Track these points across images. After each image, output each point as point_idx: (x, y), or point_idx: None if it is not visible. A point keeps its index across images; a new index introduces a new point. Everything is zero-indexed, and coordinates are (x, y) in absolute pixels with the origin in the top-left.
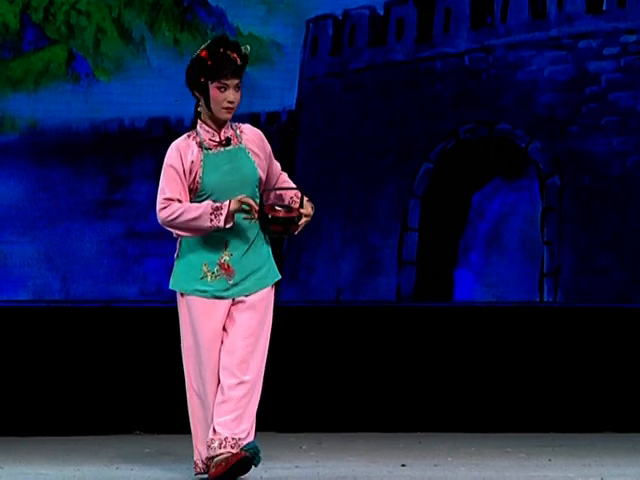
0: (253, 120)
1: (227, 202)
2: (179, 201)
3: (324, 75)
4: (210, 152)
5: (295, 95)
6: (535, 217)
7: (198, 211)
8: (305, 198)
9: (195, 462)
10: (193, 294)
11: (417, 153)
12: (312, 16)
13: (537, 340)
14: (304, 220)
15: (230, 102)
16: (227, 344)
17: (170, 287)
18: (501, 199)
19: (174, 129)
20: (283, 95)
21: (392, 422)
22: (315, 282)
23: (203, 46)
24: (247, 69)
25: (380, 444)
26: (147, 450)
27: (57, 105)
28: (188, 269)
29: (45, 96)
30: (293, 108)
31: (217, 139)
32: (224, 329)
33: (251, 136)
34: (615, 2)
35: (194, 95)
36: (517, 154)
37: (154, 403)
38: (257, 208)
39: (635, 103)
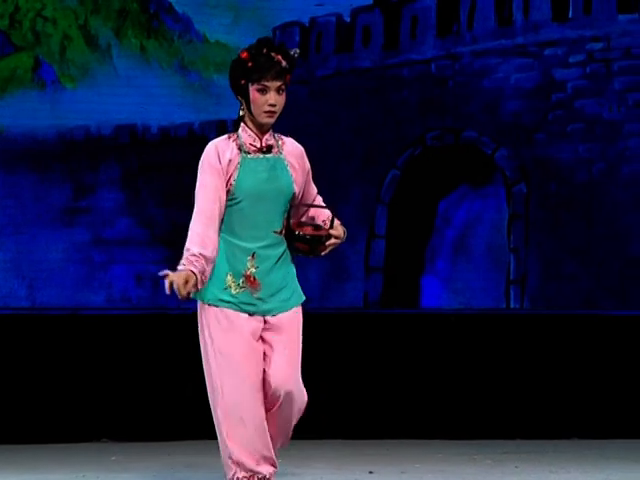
0: (220, 127)
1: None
2: (210, 210)
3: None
4: (249, 156)
5: None
6: (501, 224)
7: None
8: (337, 221)
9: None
10: (217, 304)
11: (384, 160)
12: (278, 23)
13: (503, 347)
14: (333, 241)
15: (271, 105)
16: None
17: (192, 296)
18: (467, 206)
19: (140, 136)
20: None
21: (359, 429)
22: None
23: (244, 48)
24: (213, 76)
25: (347, 451)
26: (114, 458)
27: (23, 112)
28: (212, 278)
29: (11, 103)
30: None
31: (258, 145)
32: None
33: (292, 149)
34: (581, 10)
35: (237, 99)
36: (483, 161)
37: (121, 410)
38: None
39: (601, 110)
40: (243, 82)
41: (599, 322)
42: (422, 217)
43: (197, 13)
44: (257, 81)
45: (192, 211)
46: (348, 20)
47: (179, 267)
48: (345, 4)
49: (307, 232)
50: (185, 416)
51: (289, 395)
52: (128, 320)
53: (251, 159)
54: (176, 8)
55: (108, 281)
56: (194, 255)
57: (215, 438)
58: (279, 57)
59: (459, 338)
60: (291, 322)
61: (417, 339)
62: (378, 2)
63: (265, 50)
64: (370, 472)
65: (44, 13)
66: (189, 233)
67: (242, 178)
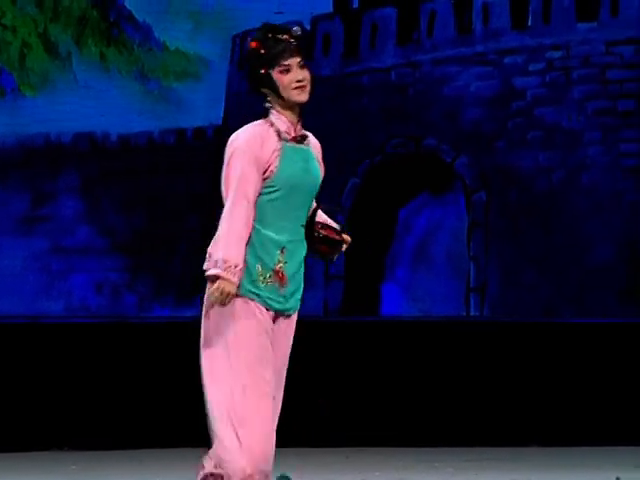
0: (180, 135)
1: (239, 272)
2: (253, 198)
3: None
4: (288, 144)
5: (222, 110)
6: (461, 232)
7: (232, 238)
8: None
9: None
10: (246, 295)
11: (344, 168)
12: (239, 31)
13: (464, 354)
14: (344, 248)
15: (299, 81)
16: None
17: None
18: (428, 214)
19: (100, 144)
20: (209, 110)
21: (319, 437)
22: None
23: (250, 39)
24: (173, 84)
25: (308, 459)
26: (74, 467)
27: None
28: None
29: None
30: (220, 123)
31: (293, 133)
32: None
33: (315, 143)
34: (540, 18)
35: (260, 93)
36: (443, 169)
37: (81, 419)
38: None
39: (560, 118)
40: (264, 71)
41: (558, 330)
42: (382, 225)
43: (157, 21)
44: (277, 64)
45: (152, 219)
46: (308, 28)
47: (224, 274)
48: (305, 12)
49: (330, 235)
50: (146, 424)
51: None
52: (87, 328)
53: (290, 147)
54: (136, 16)
55: (67, 289)
56: (237, 267)
57: (177, 447)
58: (285, 36)
59: (419, 346)
60: (292, 329)
61: (377, 347)
62: (338, 10)
63: (270, 34)
64: None
65: (3, 21)
66: (231, 228)
67: (283, 167)
